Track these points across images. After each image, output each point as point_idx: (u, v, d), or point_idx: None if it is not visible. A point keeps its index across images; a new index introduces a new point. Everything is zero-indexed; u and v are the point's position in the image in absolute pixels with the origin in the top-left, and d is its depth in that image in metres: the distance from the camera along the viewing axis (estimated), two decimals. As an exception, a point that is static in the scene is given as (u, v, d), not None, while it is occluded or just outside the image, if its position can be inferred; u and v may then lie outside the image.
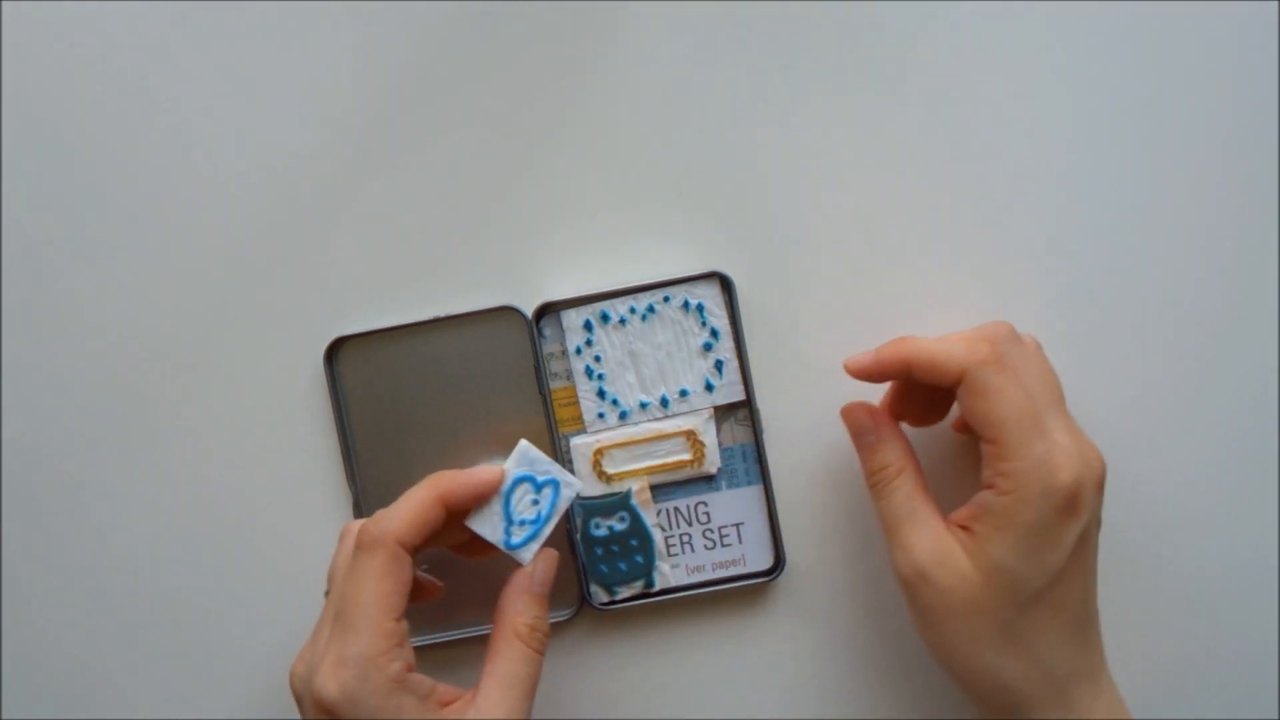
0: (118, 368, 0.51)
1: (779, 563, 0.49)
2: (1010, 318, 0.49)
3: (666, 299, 0.49)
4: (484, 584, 0.48)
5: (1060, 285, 0.50)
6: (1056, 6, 0.49)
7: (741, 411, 0.50)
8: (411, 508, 0.43)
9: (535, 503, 0.45)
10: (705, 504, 0.50)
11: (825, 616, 0.50)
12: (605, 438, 0.50)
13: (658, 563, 0.50)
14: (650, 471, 0.50)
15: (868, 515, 0.49)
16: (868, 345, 0.49)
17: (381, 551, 0.42)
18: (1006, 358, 0.43)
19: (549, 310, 0.50)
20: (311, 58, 0.51)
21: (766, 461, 0.49)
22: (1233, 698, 0.49)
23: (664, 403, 0.50)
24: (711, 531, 0.50)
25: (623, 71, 0.50)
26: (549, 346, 0.50)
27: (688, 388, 0.50)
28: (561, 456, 0.50)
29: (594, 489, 0.50)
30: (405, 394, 0.50)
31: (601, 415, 0.50)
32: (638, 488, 0.50)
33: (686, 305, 0.49)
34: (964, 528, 0.43)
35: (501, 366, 0.50)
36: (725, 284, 0.49)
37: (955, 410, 0.48)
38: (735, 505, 0.50)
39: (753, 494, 0.50)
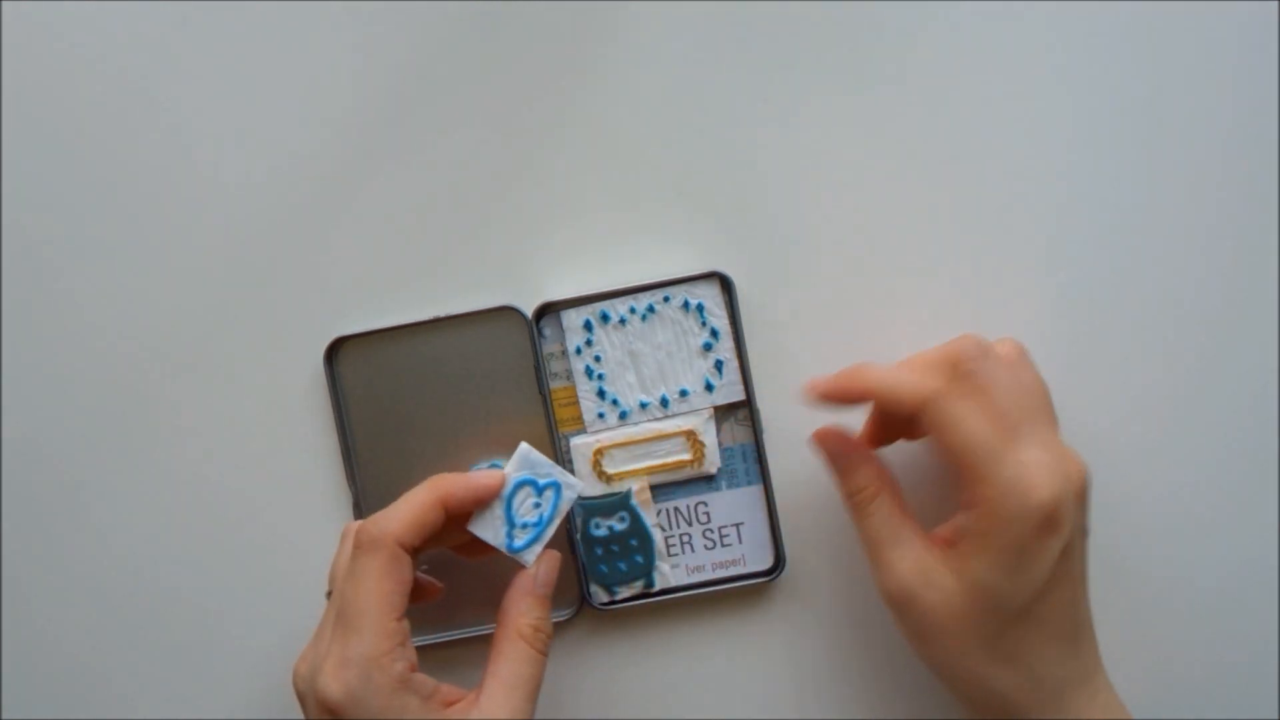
0: (118, 367, 0.51)
1: (779, 563, 0.50)
2: (1009, 317, 0.49)
3: (666, 299, 0.49)
4: (485, 584, 0.48)
5: (1060, 284, 0.50)
6: (1056, 6, 0.49)
7: (741, 411, 0.50)
8: (411, 509, 0.43)
9: (537, 505, 0.45)
10: (705, 504, 0.50)
11: (825, 616, 0.50)
12: (605, 438, 0.50)
13: (658, 563, 0.50)
14: (650, 471, 0.50)
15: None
16: (867, 345, 0.49)
17: (381, 552, 0.42)
18: (970, 379, 0.42)
19: (549, 310, 0.50)
20: (311, 58, 0.51)
21: (766, 461, 0.49)
22: (1233, 699, 0.49)
23: (664, 403, 0.50)
24: (711, 531, 0.50)
25: (623, 71, 0.50)
26: (549, 346, 0.50)
27: (688, 388, 0.50)
28: (561, 457, 0.50)
29: (594, 489, 0.50)
30: (405, 394, 0.50)
31: (601, 415, 0.50)
32: (638, 488, 0.50)
33: (686, 305, 0.49)
34: (946, 544, 0.43)
35: (501, 366, 0.50)
36: (725, 284, 0.49)
37: None
38: (735, 505, 0.50)
39: (753, 494, 0.50)
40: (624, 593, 0.50)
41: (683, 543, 0.50)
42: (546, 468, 0.45)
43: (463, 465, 0.49)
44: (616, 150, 0.50)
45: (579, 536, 0.50)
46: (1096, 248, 0.50)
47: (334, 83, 0.51)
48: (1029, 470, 0.40)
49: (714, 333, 0.49)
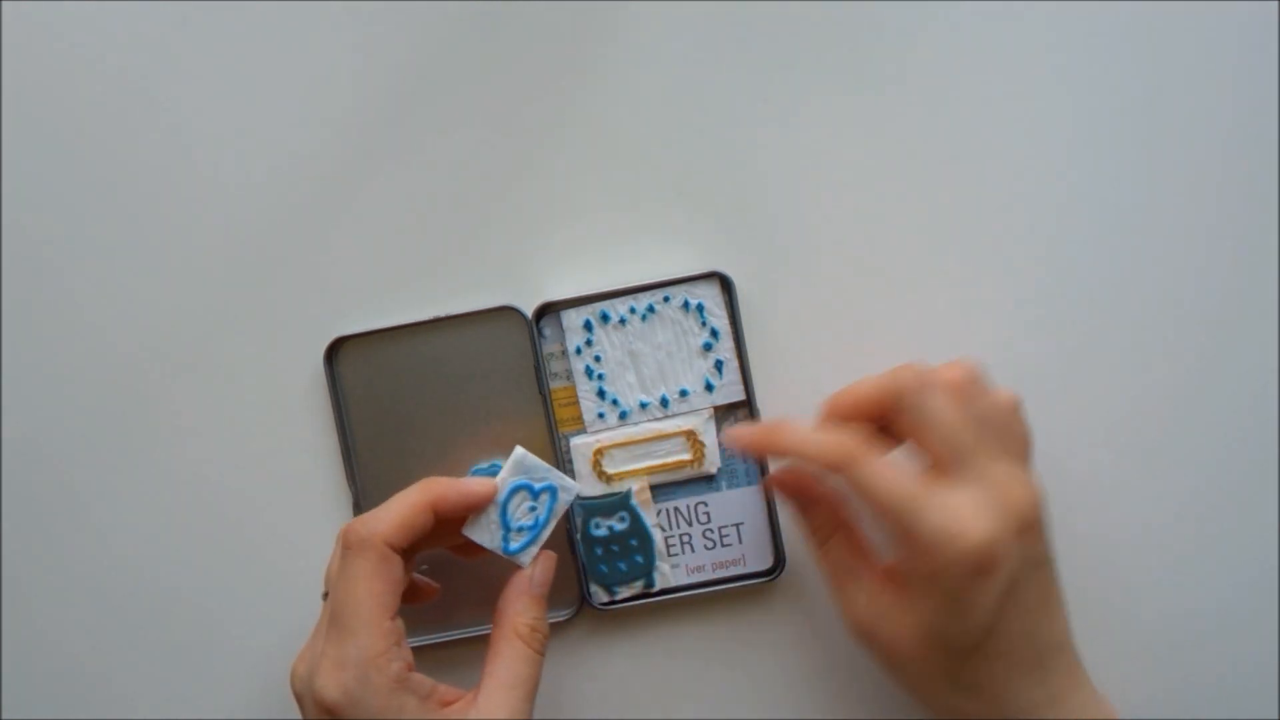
0: (118, 368, 0.51)
1: (779, 563, 0.49)
2: (1010, 316, 0.49)
3: (666, 299, 0.49)
4: (482, 585, 0.48)
5: (1061, 284, 0.50)
6: (1056, 6, 0.49)
7: (741, 411, 0.50)
8: (400, 510, 0.43)
9: (533, 509, 0.45)
10: (705, 504, 0.50)
11: (825, 616, 0.50)
12: (605, 438, 0.50)
13: (658, 563, 0.50)
14: (650, 471, 0.50)
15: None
16: (867, 344, 0.50)
17: (370, 553, 0.42)
18: (906, 415, 0.42)
19: (549, 310, 0.50)
20: (311, 58, 0.51)
21: (766, 461, 0.49)
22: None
23: (664, 403, 0.50)
24: (711, 531, 0.50)
25: (623, 71, 0.50)
26: (549, 346, 0.50)
27: (688, 388, 0.50)
28: (561, 456, 0.50)
29: (594, 489, 0.50)
30: (405, 394, 0.50)
31: (601, 415, 0.50)
32: (638, 488, 0.50)
33: (686, 305, 0.49)
34: (900, 581, 0.43)
35: (501, 366, 0.50)
36: (725, 284, 0.49)
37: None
38: (735, 505, 0.50)
39: (753, 494, 0.50)
40: (624, 593, 0.50)
41: (683, 543, 0.50)
42: (542, 471, 0.45)
43: (463, 465, 0.49)
44: (616, 150, 0.50)
45: (579, 536, 0.50)
46: (1096, 247, 0.50)
47: (334, 83, 0.51)
48: (956, 515, 0.40)
49: (714, 333, 0.49)
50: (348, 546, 0.42)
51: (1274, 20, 0.49)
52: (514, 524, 0.45)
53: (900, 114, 0.50)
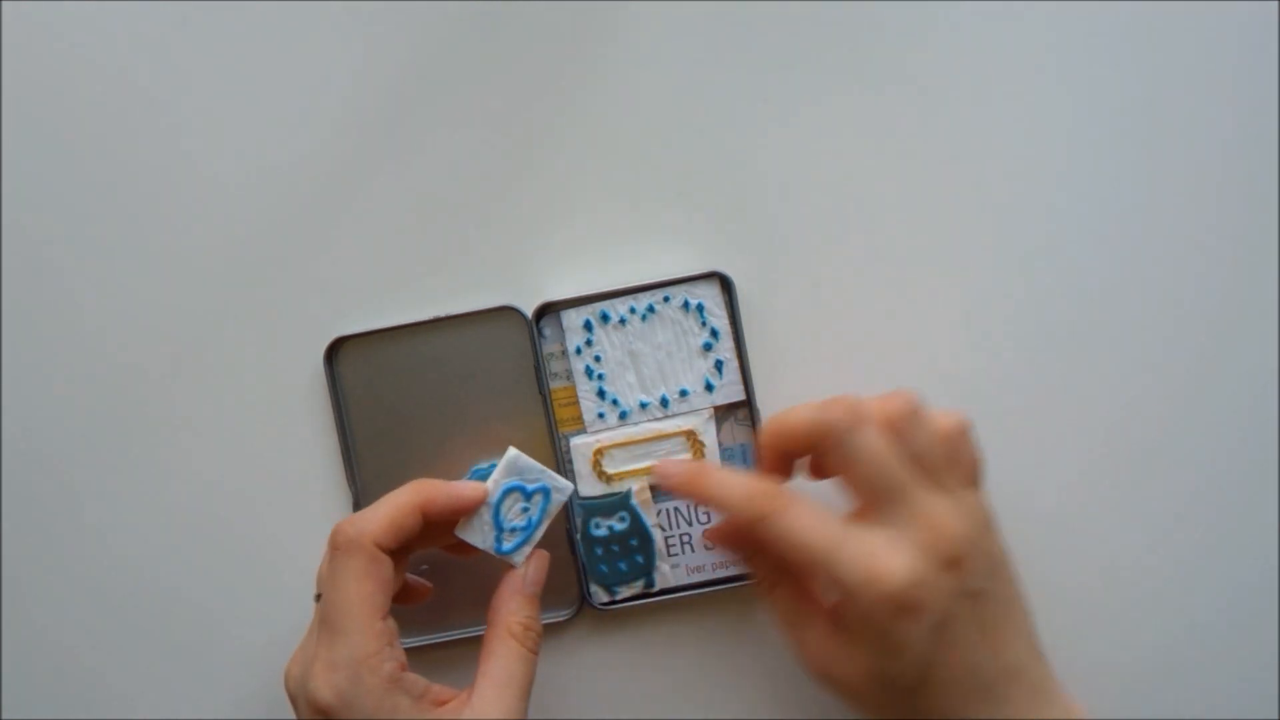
0: (118, 368, 0.51)
1: (779, 563, 0.49)
2: (1009, 317, 0.50)
3: (666, 299, 0.49)
4: (476, 586, 0.48)
5: (1062, 283, 0.50)
6: (1056, 6, 0.50)
7: (741, 411, 0.50)
8: (388, 511, 0.43)
9: (526, 509, 0.45)
10: (705, 504, 0.50)
11: (825, 616, 0.50)
12: (605, 438, 0.50)
13: (658, 563, 0.50)
14: (650, 472, 0.50)
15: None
16: (867, 344, 0.50)
17: (359, 553, 0.42)
18: (833, 453, 0.41)
19: (549, 310, 0.50)
20: (311, 58, 0.51)
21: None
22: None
23: (664, 403, 0.50)
24: (712, 531, 0.50)
25: (623, 71, 0.50)
26: (549, 346, 0.50)
27: (688, 388, 0.50)
28: (561, 456, 0.50)
29: (594, 489, 0.50)
30: (405, 394, 0.50)
31: (601, 415, 0.50)
32: (638, 488, 0.50)
33: (686, 305, 0.49)
34: (840, 625, 0.43)
35: (501, 366, 0.50)
36: (725, 284, 0.49)
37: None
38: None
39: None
40: (624, 593, 0.50)
41: (682, 543, 0.50)
42: (535, 473, 0.45)
43: (463, 465, 0.49)
44: (616, 150, 0.50)
45: (579, 536, 0.50)
46: (1097, 245, 0.50)
47: (334, 83, 0.51)
48: (874, 558, 0.40)
49: (714, 333, 0.49)
50: (336, 547, 0.42)
51: (1274, 20, 0.49)
52: (507, 525, 0.45)
53: (900, 114, 0.50)
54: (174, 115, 0.51)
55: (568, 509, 0.49)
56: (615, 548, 0.49)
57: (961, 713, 0.41)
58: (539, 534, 0.45)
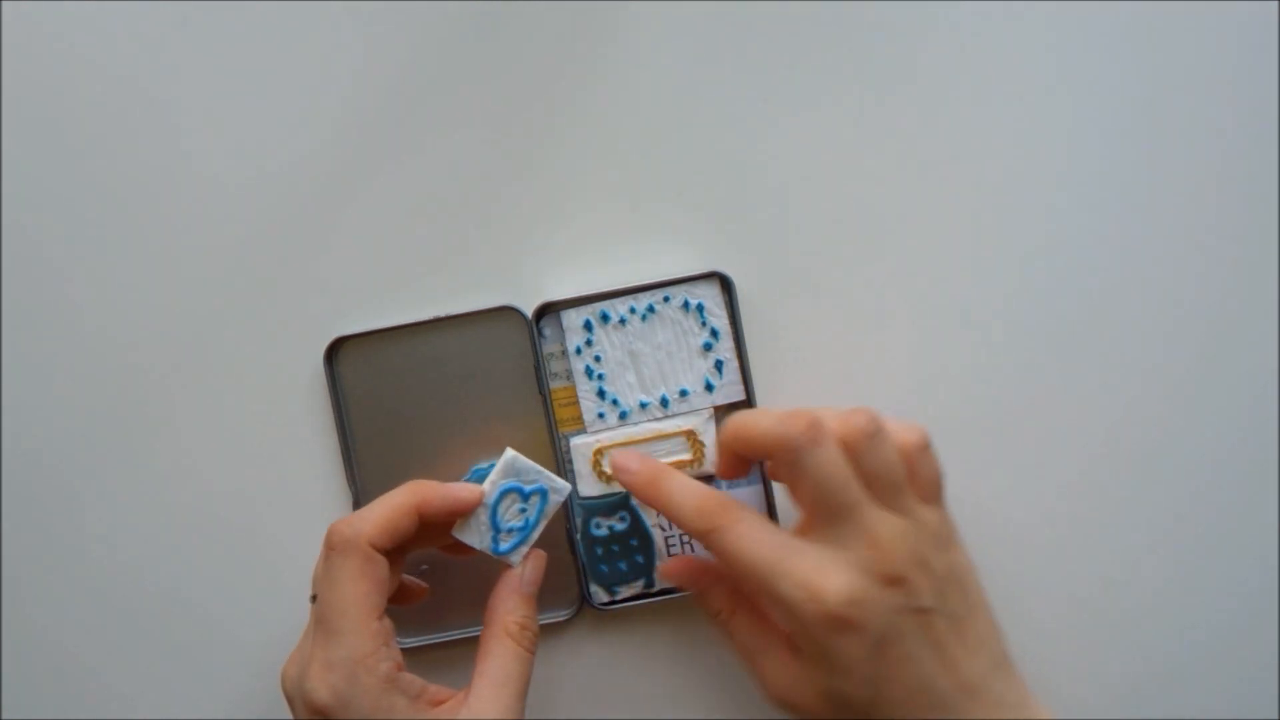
0: (118, 368, 0.51)
1: (779, 563, 0.49)
2: (1009, 316, 0.49)
3: (666, 299, 0.49)
4: (474, 586, 0.48)
5: (1061, 284, 0.50)
6: (1056, 6, 0.49)
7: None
8: (384, 512, 0.43)
9: (523, 510, 0.45)
10: (705, 504, 0.50)
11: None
12: (605, 438, 0.49)
13: (658, 563, 0.50)
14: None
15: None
16: (867, 344, 0.50)
17: (354, 553, 0.42)
18: (790, 468, 0.42)
19: (549, 310, 0.50)
20: (311, 58, 0.51)
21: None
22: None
23: (664, 403, 0.50)
24: (711, 531, 0.50)
25: (623, 71, 0.50)
26: (549, 346, 0.50)
27: (688, 388, 0.50)
28: (561, 457, 0.50)
29: (594, 489, 0.50)
30: (405, 394, 0.50)
31: (601, 415, 0.50)
32: (638, 488, 0.49)
33: (686, 305, 0.49)
34: (794, 649, 0.44)
35: (501, 366, 0.50)
36: (725, 284, 0.49)
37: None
38: (738, 505, 0.50)
39: (753, 494, 0.49)
40: (624, 592, 0.50)
41: (682, 542, 0.50)
42: (532, 474, 0.45)
43: (463, 465, 0.49)
44: (616, 150, 0.50)
45: (579, 536, 0.49)
46: (1098, 247, 0.50)
47: (334, 83, 0.51)
48: (812, 575, 0.41)
49: (714, 333, 0.49)
50: (331, 547, 0.42)
51: (1274, 20, 0.49)
52: (504, 525, 0.45)
53: (900, 113, 0.50)
54: (174, 115, 0.51)
55: (567, 509, 0.49)
56: (615, 547, 0.49)
57: None
58: (536, 534, 0.45)
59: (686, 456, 0.49)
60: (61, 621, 0.51)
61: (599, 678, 0.50)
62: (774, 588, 0.41)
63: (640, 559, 0.49)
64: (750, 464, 0.46)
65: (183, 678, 0.51)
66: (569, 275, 0.50)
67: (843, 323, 0.50)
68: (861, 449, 0.42)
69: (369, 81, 0.50)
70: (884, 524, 0.42)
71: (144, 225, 0.51)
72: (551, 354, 0.50)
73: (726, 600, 0.46)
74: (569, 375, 0.50)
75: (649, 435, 0.49)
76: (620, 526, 0.49)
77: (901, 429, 0.44)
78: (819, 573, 0.41)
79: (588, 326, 0.49)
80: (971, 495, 0.49)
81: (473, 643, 0.45)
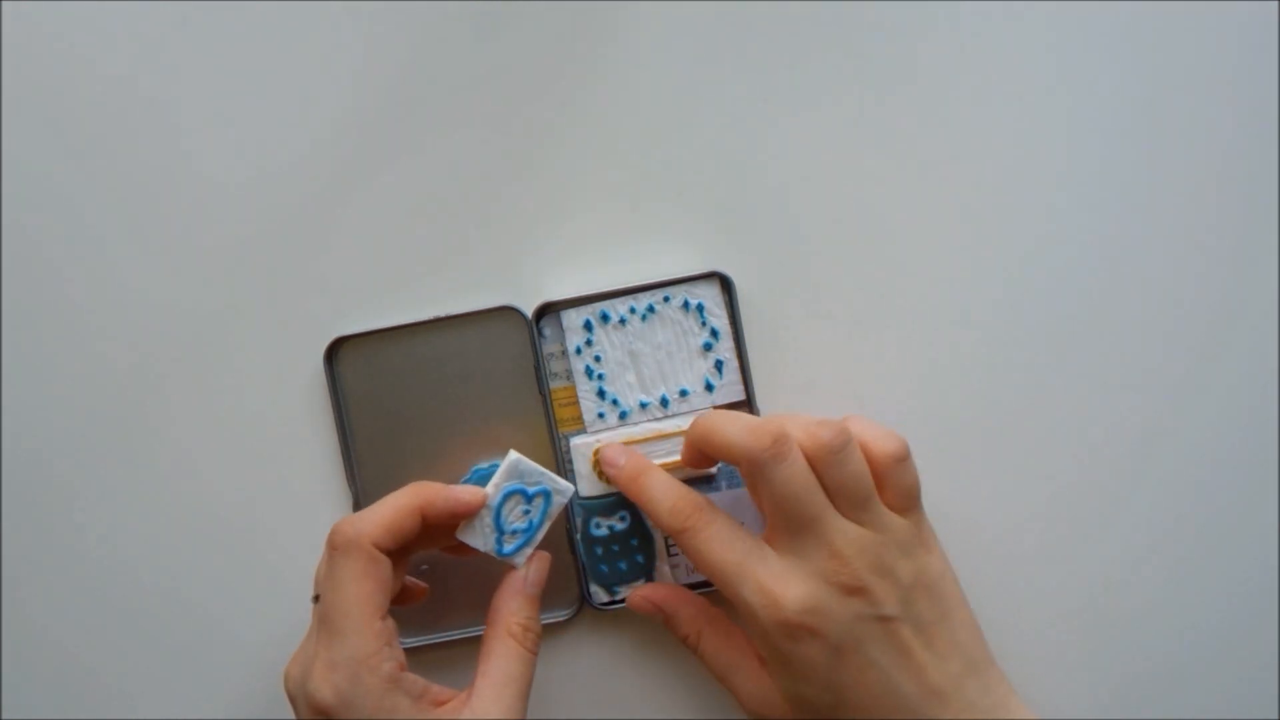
0: (118, 367, 0.51)
1: (779, 563, 0.49)
2: (1008, 317, 0.50)
3: (666, 299, 0.49)
4: (476, 587, 0.48)
5: (1062, 285, 0.50)
6: (1056, 7, 0.49)
7: (741, 411, 0.50)
8: (387, 512, 0.43)
9: (526, 512, 0.45)
10: (705, 504, 0.50)
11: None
12: (605, 438, 0.49)
13: (658, 563, 0.50)
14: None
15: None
16: (867, 344, 0.50)
17: (357, 554, 0.42)
18: (757, 476, 0.43)
19: (549, 310, 0.50)
20: (311, 58, 0.51)
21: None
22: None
23: (664, 403, 0.50)
24: (711, 531, 0.50)
25: (623, 72, 0.50)
26: (549, 346, 0.50)
27: (688, 388, 0.50)
28: (561, 456, 0.50)
29: (595, 489, 0.49)
30: (405, 394, 0.50)
31: (601, 415, 0.50)
32: (638, 487, 0.49)
33: (686, 305, 0.49)
34: (762, 660, 0.45)
35: (501, 366, 0.50)
36: (725, 284, 0.49)
37: None
38: (735, 505, 0.49)
39: (743, 493, 0.49)
40: (624, 592, 0.50)
41: (683, 543, 0.50)
42: (535, 475, 0.45)
43: (463, 465, 0.49)
44: (616, 150, 0.50)
45: (579, 536, 0.49)
46: (1099, 247, 0.50)
47: (334, 83, 0.51)
48: (771, 583, 0.42)
49: (714, 333, 0.49)
50: (334, 547, 0.42)
51: (1274, 20, 0.49)
52: (508, 527, 0.45)
53: (901, 114, 0.50)
54: (174, 115, 0.51)
55: (568, 509, 0.49)
56: (615, 547, 0.49)
57: None
58: (540, 535, 0.45)
59: (686, 457, 0.49)
60: (62, 621, 0.51)
61: (599, 678, 0.50)
62: (736, 592, 0.43)
63: (640, 558, 0.49)
64: (713, 461, 0.47)
65: (184, 678, 0.51)
66: (569, 275, 0.50)
67: (842, 323, 0.50)
68: (827, 462, 0.43)
69: (369, 81, 0.50)
70: (845, 535, 0.43)
71: (144, 225, 0.51)
72: (551, 354, 0.50)
73: (693, 623, 0.47)
74: (569, 375, 0.50)
75: (649, 435, 0.49)
76: (620, 526, 0.49)
77: (880, 437, 0.44)
78: (778, 581, 0.42)
79: (588, 326, 0.49)
80: (970, 494, 0.49)
81: (474, 643, 0.45)
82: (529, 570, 0.45)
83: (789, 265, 0.50)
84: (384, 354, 0.50)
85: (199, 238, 0.51)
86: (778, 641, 0.42)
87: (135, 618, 0.51)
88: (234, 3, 0.50)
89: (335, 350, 0.50)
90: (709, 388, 0.50)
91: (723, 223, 0.50)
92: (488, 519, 0.45)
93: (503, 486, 0.45)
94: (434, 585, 0.49)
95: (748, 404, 0.49)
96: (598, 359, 0.50)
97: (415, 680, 0.42)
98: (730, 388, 0.49)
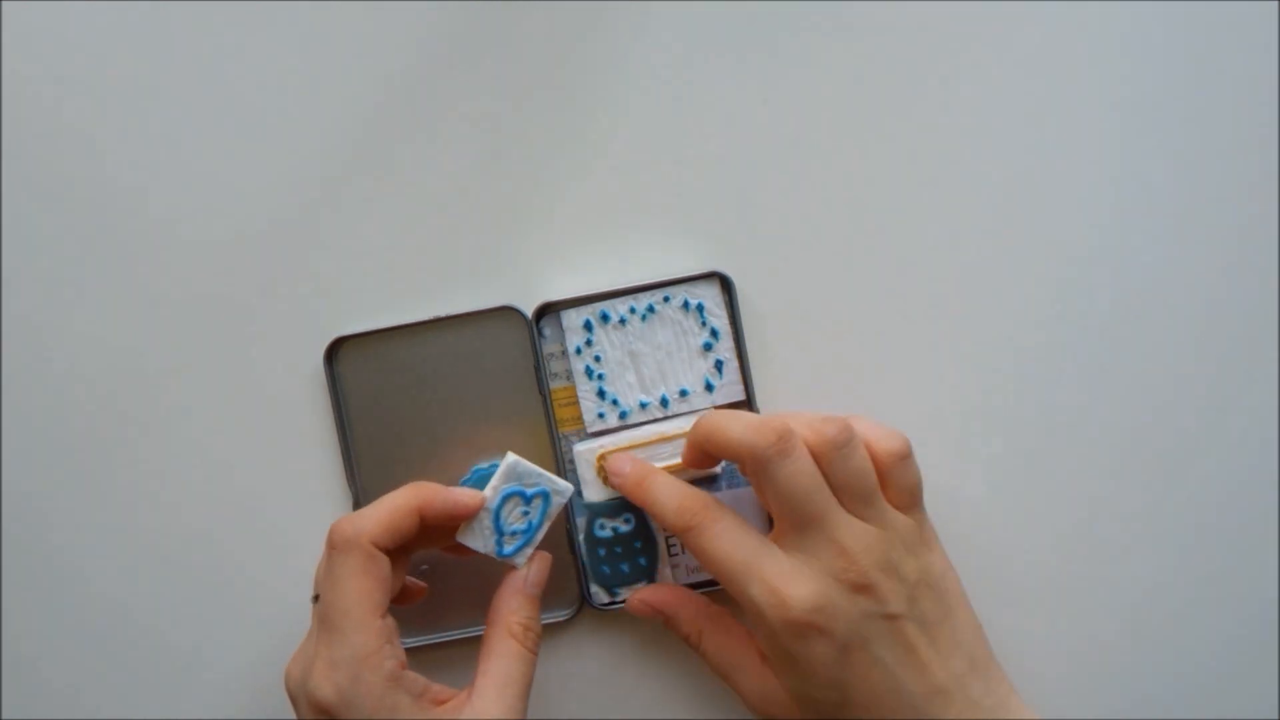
0: (118, 368, 0.51)
1: (780, 563, 0.49)
2: (1009, 316, 0.49)
3: (666, 299, 0.49)
4: (475, 587, 0.48)
5: (1062, 285, 0.50)
6: (1061, 7, 0.50)
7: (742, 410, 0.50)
8: (386, 512, 0.43)
9: (526, 513, 0.45)
10: (706, 504, 0.50)
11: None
12: (608, 442, 0.49)
13: (660, 567, 0.49)
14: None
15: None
16: (867, 344, 0.50)
17: (356, 552, 0.42)
18: (760, 475, 0.43)
19: (549, 310, 0.50)
20: (311, 59, 0.51)
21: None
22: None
23: (664, 403, 0.49)
24: (712, 531, 0.49)
25: (623, 72, 0.50)
26: (549, 346, 0.50)
27: (688, 388, 0.50)
28: (561, 456, 0.49)
29: (599, 495, 0.49)
30: (405, 394, 0.50)
31: (601, 415, 0.50)
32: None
33: (686, 305, 0.49)
34: (765, 657, 0.45)
35: (501, 367, 0.50)
36: (725, 284, 0.49)
37: None
38: (736, 505, 0.49)
39: (753, 494, 0.49)
40: (625, 594, 0.49)
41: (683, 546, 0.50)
42: (534, 477, 0.45)
43: (463, 465, 0.49)
44: (616, 151, 0.50)
45: (582, 537, 0.49)
46: (1100, 248, 0.50)
47: (334, 84, 0.51)
48: (778, 582, 0.42)
49: (714, 333, 0.49)
50: (333, 546, 0.42)
51: (1274, 20, 0.49)
52: (507, 528, 0.45)
53: (901, 114, 0.50)
54: (174, 116, 0.51)
55: (568, 510, 0.49)
56: (618, 549, 0.49)
57: None
58: (540, 536, 0.45)
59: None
60: (62, 621, 0.51)
61: (599, 678, 0.50)
62: (743, 591, 0.42)
63: (643, 561, 0.49)
64: (716, 461, 0.47)
65: (184, 678, 0.51)
66: (569, 275, 0.50)
67: (843, 323, 0.50)
68: (831, 458, 0.43)
69: (369, 82, 0.51)
70: (852, 532, 0.42)
71: (144, 225, 0.51)
72: (551, 354, 0.50)
73: (693, 622, 0.47)
74: (569, 375, 0.50)
75: (652, 438, 0.49)
76: (624, 529, 0.49)
77: (883, 436, 0.44)
78: (786, 579, 0.42)
79: (588, 326, 0.49)
80: (970, 494, 0.49)
81: (473, 643, 0.45)
82: (529, 570, 0.45)
83: (789, 265, 0.50)
84: (384, 354, 0.50)
85: (199, 238, 0.51)
86: (785, 641, 0.42)
87: (135, 618, 0.51)
88: (234, 3, 0.51)
89: (335, 350, 0.50)
90: (709, 388, 0.49)
91: (722, 223, 0.50)
92: (487, 521, 0.45)
93: (501, 489, 0.45)
94: (434, 585, 0.49)
95: (748, 404, 0.49)
96: (598, 359, 0.50)
97: (416, 679, 0.42)
98: (730, 388, 0.49)
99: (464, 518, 0.45)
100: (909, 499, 0.44)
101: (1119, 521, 0.49)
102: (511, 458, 0.45)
